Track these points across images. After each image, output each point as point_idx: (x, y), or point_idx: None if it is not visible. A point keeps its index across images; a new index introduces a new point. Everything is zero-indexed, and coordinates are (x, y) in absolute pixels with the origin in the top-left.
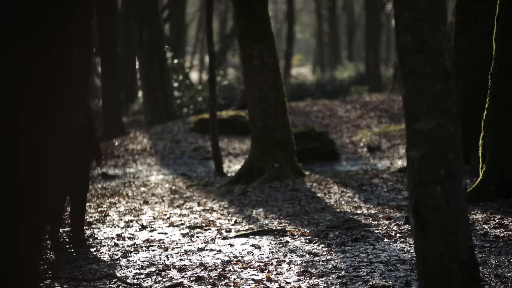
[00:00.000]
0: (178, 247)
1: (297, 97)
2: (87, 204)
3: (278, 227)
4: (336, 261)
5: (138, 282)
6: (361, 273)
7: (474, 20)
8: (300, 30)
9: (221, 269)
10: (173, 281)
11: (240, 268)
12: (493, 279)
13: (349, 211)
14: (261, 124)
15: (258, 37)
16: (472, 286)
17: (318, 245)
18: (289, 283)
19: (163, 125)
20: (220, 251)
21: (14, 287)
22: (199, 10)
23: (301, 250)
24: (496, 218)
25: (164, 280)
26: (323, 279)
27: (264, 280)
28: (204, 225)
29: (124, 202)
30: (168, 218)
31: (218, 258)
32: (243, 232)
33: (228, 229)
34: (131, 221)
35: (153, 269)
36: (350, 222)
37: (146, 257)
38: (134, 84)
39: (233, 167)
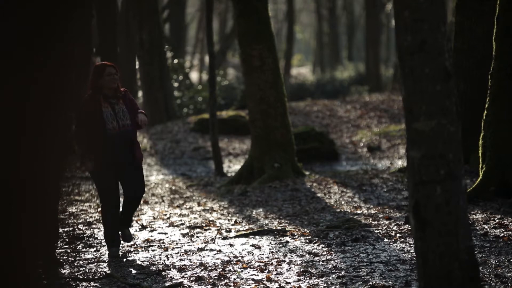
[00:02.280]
0: (178, 247)
1: (297, 97)
2: (88, 204)
3: (278, 227)
4: (336, 261)
5: (138, 282)
6: (361, 273)
7: (474, 20)
8: (300, 30)
9: (221, 269)
10: (173, 281)
11: (240, 268)
12: (493, 279)
13: (349, 211)
14: (261, 124)
15: (258, 37)
16: (472, 286)
17: (318, 245)
18: (289, 283)
19: (163, 125)
20: (220, 251)
21: (14, 287)
22: (199, 10)
23: (301, 250)
24: (496, 218)
25: (164, 280)
26: (323, 279)
27: (264, 280)
28: (204, 225)
29: None
30: (168, 218)
31: (218, 258)
32: (243, 232)
33: (228, 229)
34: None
35: (153, 269)
36: (350, 222)
37: (146, 257)
38: (134, 84)
39: (233, 167)
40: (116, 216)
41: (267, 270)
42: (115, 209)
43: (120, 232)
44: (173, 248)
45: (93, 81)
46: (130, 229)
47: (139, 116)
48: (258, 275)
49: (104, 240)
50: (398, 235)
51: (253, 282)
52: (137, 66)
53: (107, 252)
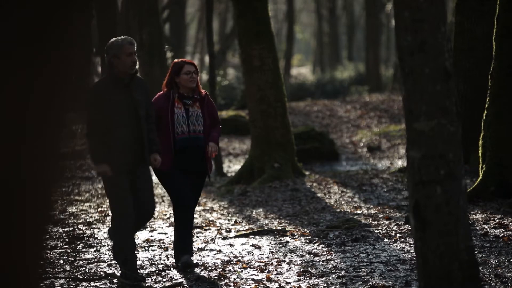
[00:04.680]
0: None
1: (297, 97)
2: (88, 204)
3: (278, 227)
4: (336, 261)
5: (138, 282)
6: (361, 273)
7: (474, 20)
8: (300, 30)
9: (221, 269)
10: (173, 281)
11: (240, 268)
12: (493, 279)
13: (349, 211)
14: (261, 124)
15: (258, 37)
16: (472, 286)
17: (318, 245)
18: (289, 283)
19: None
20: (220, 251)
21: (14, 287)
22: (199, 10)
23: (301, 250)
24: (496, 218)
25: (164, 280)
26: (323, 279)
27: (264, 280)
28: (204, 225)
29: None
30: (168, 218)
31: (218, 258)
32: (243, 232)
33: (228, 229)
34: None
35: (153, 269)
36: (350, 222)
37: (146, 257)
38: None
39: (233, 167)
40: (190, 218)
41: (267, 270)
42: (188, 211)
43: (178, 262)
44: (173, 248)
45: (169, 78)
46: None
47: (210, 146)
48: (258, 275)
49: (104, 240)
50: (398, 235)
51: (253, 282)
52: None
53: (179, 260)
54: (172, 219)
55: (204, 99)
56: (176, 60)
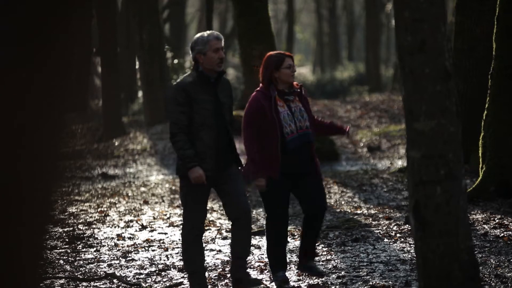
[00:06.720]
0: (178, 247)
1: None
2: (88, 204)
3: None
4: (336, 261)
5: (138, 282)
6: (361, 273)
7: (474, 20)
8: (300, 30)
9: (221, 269)
10: (173, 281)
11: None
12: (493, 279)
13: (349, 211)
14: None
15: (258, 37)
16: (472, 286)
17: (318, 245)
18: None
19: (163, 125)
20: (220, 251)
21: (14, 287)
22: (199, 10)
23: None
24: (496, 218)
25: (164, 280)
26: (323, 279)
27: (264, 280)
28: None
29: (124, 202)
30: (168, 218)
31: (218, 258)
32: None
33: (228, 229)
34: (131, 221)
35: (153, 269)
36: (350, 222)
37: (146, 257)
38: (134, 84)
39: None
40: (283, 234)
41: (267, 270)
42: (283, 225)
43: (304, 265)
44: (173, 248)
45: (268, 74)
46: (130, 228)
47: (345, 127)
48: (258, 275)
49: (104, 240)
50: (398, 235)
51: None
52: (137, 66)
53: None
54: (172, 219)
55: (301, 92)
56: (271, 53)
